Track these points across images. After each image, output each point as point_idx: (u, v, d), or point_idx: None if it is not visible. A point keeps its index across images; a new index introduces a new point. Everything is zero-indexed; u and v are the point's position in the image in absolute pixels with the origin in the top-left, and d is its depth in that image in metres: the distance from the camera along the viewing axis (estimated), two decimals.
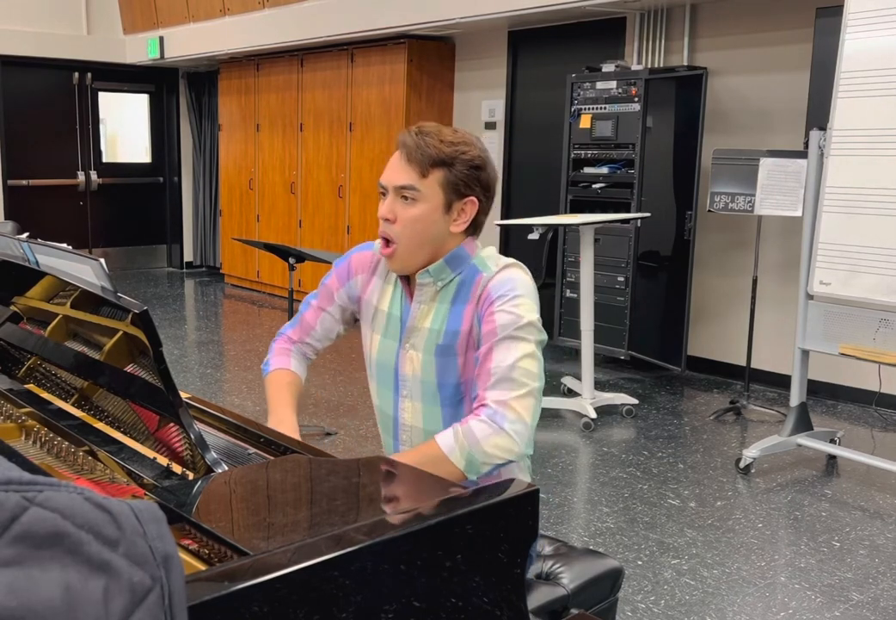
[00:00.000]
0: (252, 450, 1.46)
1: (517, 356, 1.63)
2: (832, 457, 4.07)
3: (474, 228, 1.76)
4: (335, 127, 7.42)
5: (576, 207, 5.44)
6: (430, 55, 6.83)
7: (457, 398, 1.74)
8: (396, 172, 1.69)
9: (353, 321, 1.96)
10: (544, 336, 1.70)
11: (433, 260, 1.73)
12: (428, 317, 1.75)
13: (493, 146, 6.72)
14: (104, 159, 9.37)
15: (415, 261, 1.72)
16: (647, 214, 4.94)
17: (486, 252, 1.77)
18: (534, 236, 4.58)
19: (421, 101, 6.83)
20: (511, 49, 6.53)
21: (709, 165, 4.83)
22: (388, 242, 1.71)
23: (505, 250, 6.72)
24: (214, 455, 1.33)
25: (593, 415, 4.48)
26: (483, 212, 1.74)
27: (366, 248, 1.90)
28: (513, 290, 1.67)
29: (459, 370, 1.73)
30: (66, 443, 1.46)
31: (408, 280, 1.79)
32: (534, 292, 1.71)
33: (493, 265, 1.72)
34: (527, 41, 6.43)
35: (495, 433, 1.58)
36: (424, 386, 1.76)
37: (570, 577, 1.76)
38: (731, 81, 5.28)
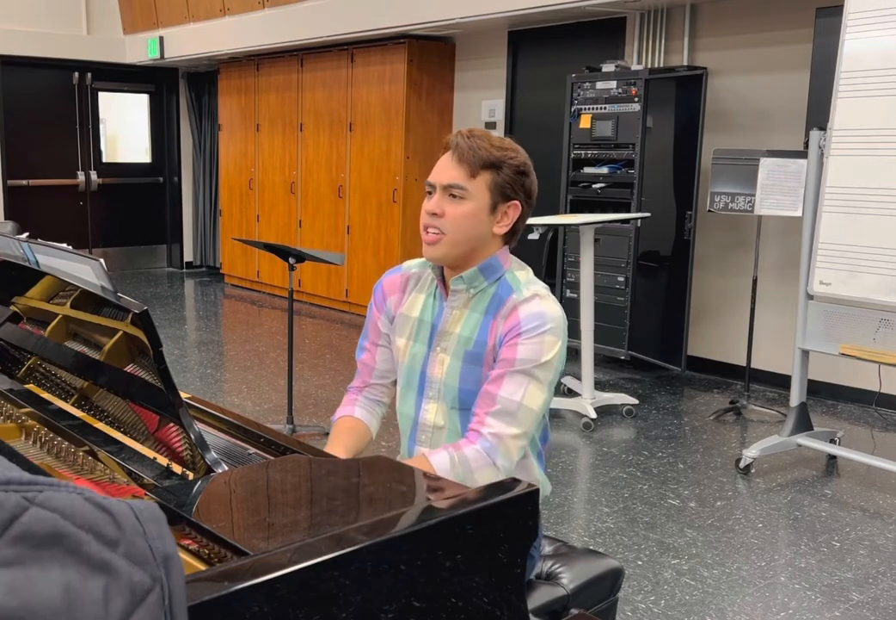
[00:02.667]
0: (252, 450, 1.46)
1: (526, 395, 1.67)
2: (832, 457, 4.06)
3: (512, 235, 1.79)
4: (335, 127, 7.42)
5: (576, 207, 5.44)
6: (430, 55, 6.83)
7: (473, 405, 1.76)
8: (447, 171, 1.73)
9: None
10: (558, 375, 1.74)
11: (470, 259, 1.76)
12: (459, 322, 1.79)
13: None
14: (104, 159, 9.37)
15: (455, 253, 1.75)
16: (647, 214, 4.94)
17: (522, 273, 1.80)
18: (534, 236, 4.58)
19: (421, 101, 6.83)
20: (511, 49, 6.52)
21: (709, 165, 4.83)
22: (431, 232, 1.75)
23: None
24: (214, 455, 1.33)
25: (593, 415, 4.48)
26: (523, 218, 1.78)
27: (394, 271, 1.95)
28: (542, 325, 1.69)
29: (482, 380, 1.75)
30: (66, 443, 1.46)
31: (444, 283, 1.83)
32: (562, 326, 1.73)
33: (525, 289, 1.74)
34: (527, 41, 6.43)
35: (487, 467, 1.64)
36: (447, 389, 1.79)
37: (570, 577, 1.76)
38: (731, 81, 5.28)
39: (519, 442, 1.67)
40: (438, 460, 1.63)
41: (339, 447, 1.81)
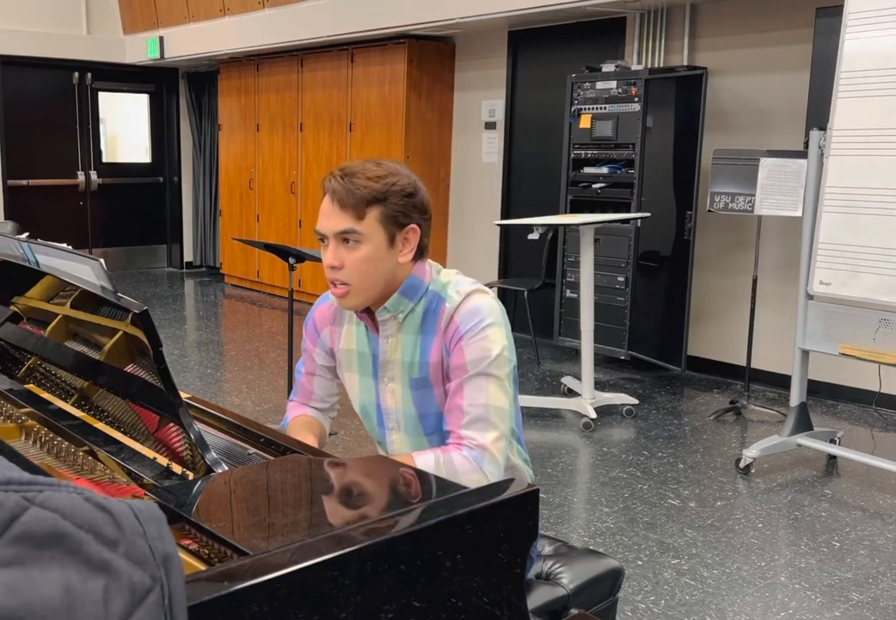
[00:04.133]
0: (252, 450, 1.46)
1: (490, 396, 1.65)
2: (832, 457, 4.06)
3: (421, 253, 1.73)
4: (335, 127, 7.42)
5: (576, 208, 5.44)
6: (430, 55, 6.83)
7: (441, 427, 1.74)
8: (333, 218, 1.65)
9: None
10: (513, 364, 1.70)
11: (387, 293, 1.71)
12: (398, 349, 1.75)
13: (494, 146, 6.72)
14: (104, 159, 9.37)
15: (368, 296, 1.70)
16: (647, 214, 4.94)
17: (444, 277, 1.75)
18: (534, 236, 4.58)
19: (421, 101, 6.83)
20: (511, 49, 6.52)
21: (709, 165, 4.83)
22: (338, 284, 1.69)
23: (505, 249, 6.72)
24: (214, 455, 1.33)
25: (593, 415, 4.48)
26: (425, 235, 1.72)
27: (323, 301, 1.89)
28: (481, 321, 1.66)
29: (438, 401, 1.73)
30: (66, 443, 1.46)
31: (370, 315, 1.77)
32: (501, 316, 1.69)
33: (454, 294, 1.70)
34: (527, 41, 6.43)
35: (474, 472, 1.62)
36: (407, 418, 1.77)
37: (570, 577, 1.76)
38: (731, 81, 5.28)
39: (500, 444, 1.66)
40: (423, 460, 1.62)
41: (310, 439, 1.80)
